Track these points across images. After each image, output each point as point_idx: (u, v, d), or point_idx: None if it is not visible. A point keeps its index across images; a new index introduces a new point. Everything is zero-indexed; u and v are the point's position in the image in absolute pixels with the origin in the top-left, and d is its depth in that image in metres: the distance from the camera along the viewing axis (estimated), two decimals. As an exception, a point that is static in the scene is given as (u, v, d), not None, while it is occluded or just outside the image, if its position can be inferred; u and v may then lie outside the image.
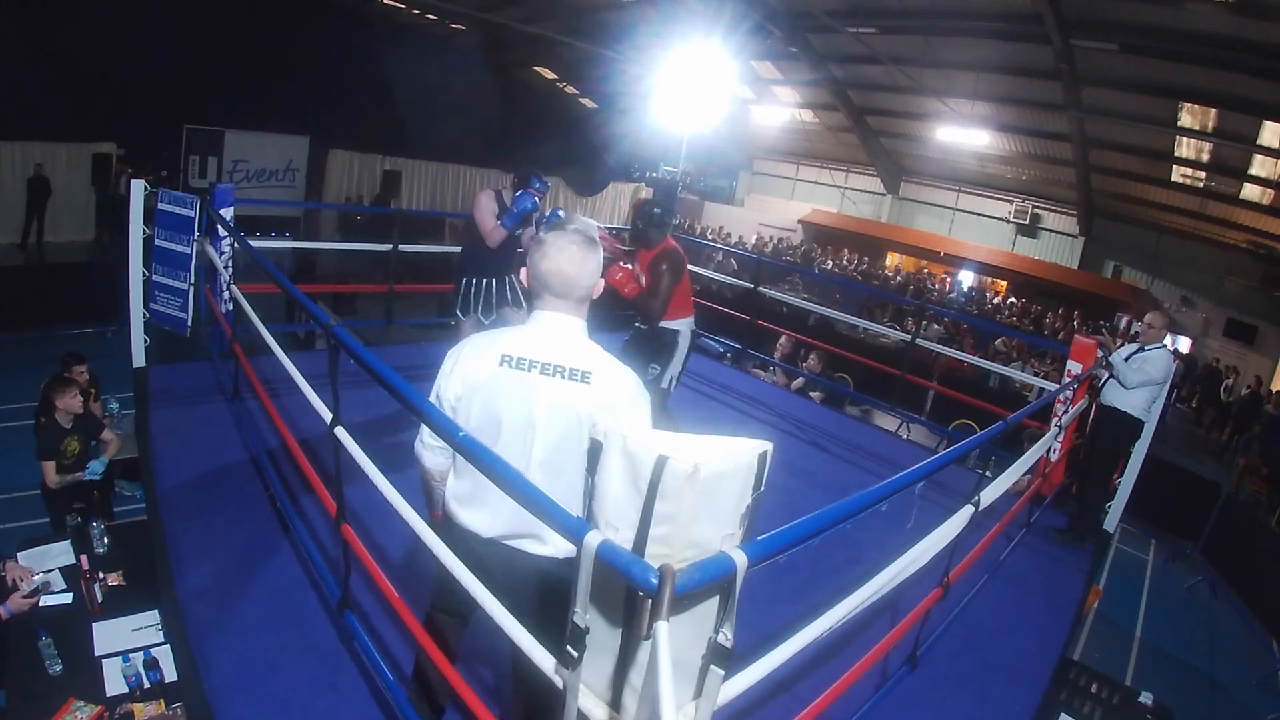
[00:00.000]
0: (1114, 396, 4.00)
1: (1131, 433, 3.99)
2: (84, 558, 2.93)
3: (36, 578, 2.83)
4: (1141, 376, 3.85)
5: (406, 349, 5.35)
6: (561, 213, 3.76)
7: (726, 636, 1.12)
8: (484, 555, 1.64)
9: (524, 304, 3.92)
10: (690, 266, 7.06)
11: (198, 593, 2.51)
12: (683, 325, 3.92)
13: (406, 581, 2.46)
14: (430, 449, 1.75)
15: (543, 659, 1.31)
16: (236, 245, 3.87)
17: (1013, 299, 15.80)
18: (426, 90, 14.00)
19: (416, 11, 15.59)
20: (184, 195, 4.09)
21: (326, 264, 10.67)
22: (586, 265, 1.60)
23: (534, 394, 1.57)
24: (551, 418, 1.57)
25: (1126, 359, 3.94)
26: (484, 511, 1.64)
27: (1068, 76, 11.76)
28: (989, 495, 2.40)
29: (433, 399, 1.66)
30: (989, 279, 17.14)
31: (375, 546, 2.78)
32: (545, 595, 1.62)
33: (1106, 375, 4.05)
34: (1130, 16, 10.13)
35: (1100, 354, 4.19)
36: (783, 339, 6.97)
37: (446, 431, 1.45)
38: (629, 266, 3.85)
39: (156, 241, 4.10)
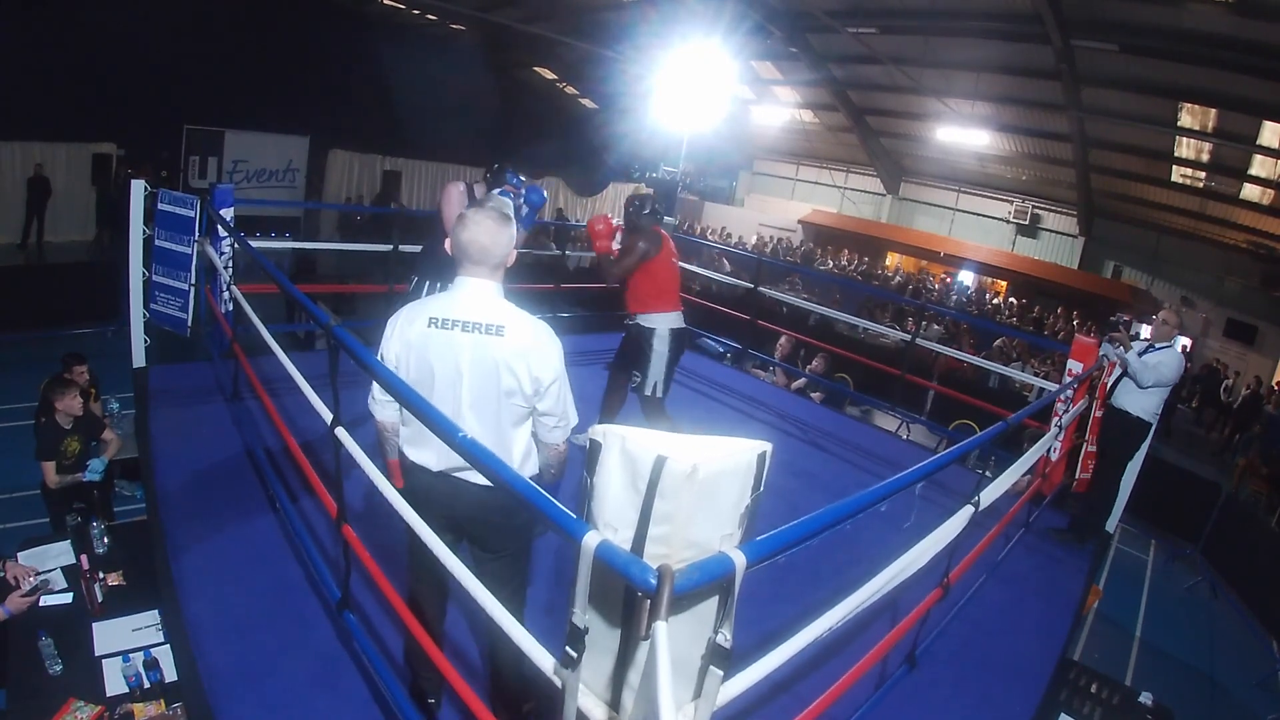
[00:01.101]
0: (1125, 399, 3.94)
1: (1139, 435, 3.96)
2: (84, 558, 2.93)
3: (37, 578, 2.83)
4: (1156, 376, 3.78)
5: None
6: (503, 194, 3.57)
7: (726, 637, 1.12)
8: (434, 486, 1.91)
9: None
10: (690, 266, 7.12)
11: (198, 593, 2.51)
12: (660, 322, 3.63)
13: (407, 582, 2.46)
14: (380, 404, 1.97)
15: (541, 658, 1.31)
16: (236, 245, 3.87)
17: (1012, 299, 15.80)
18: (426, 90, 14.00)
19: (416, 12, 15.58)
20: (184, 196, 4.08)
21: (326, 264, 10.67)
22: (500, 237, 1.85)
23: (458, 348, 1.82)
24: (474, 367, 1.82)
25: (1139, 356, 3.89)
26: (429, 450, 1.89)
27: (1068, 76, 11.76)
28: (989, 495, 2.40)
29: (378, 358, 1.89)
30: (989, 279, 17.13)
31: (375, 547, 2.77)
32: (485, 518, 1.90)
33: (1118, 375, 4.00)
34: (1130, 16, 10.13)
35: (1105, 348, 4.14)
36: (783, 339, 6.97)
37: (447, 432, 1.49)
38: (616, 222, 3.70)
39: (157, 242, 4.10)
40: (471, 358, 1.81)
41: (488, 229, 1.84)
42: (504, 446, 1.90)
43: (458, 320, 1.82)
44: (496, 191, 3.61)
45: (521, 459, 1.94)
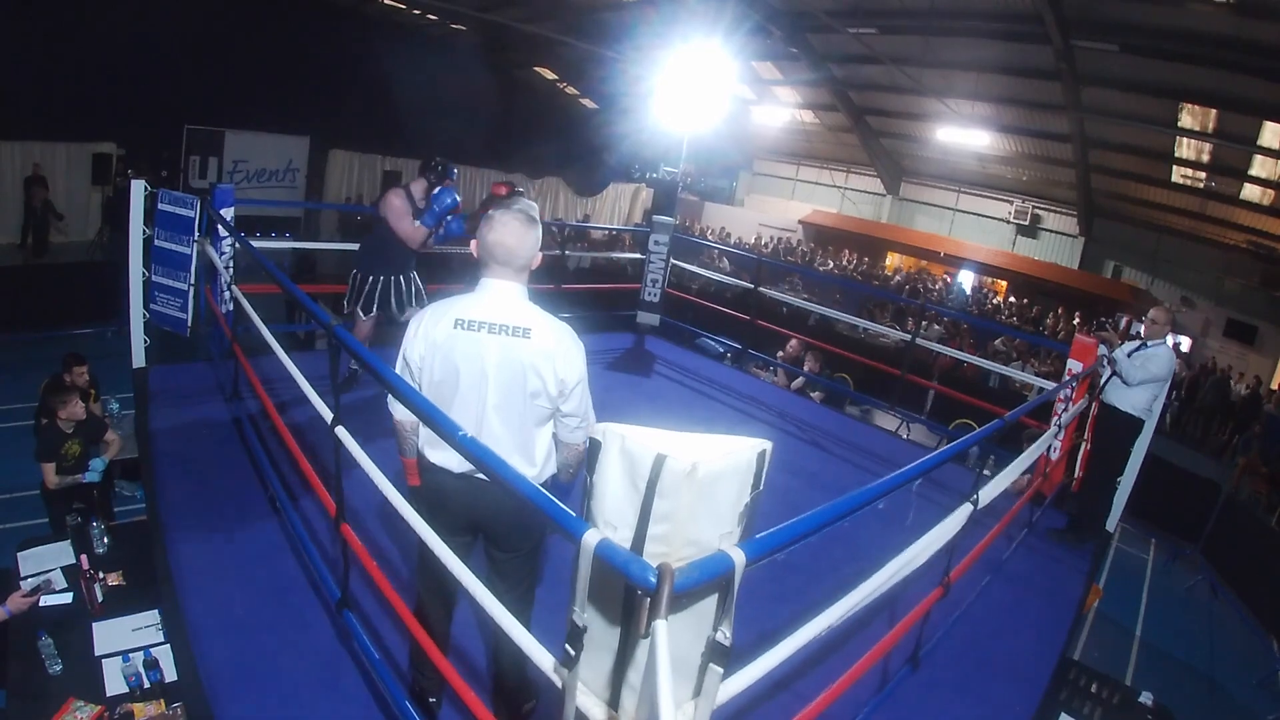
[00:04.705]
0: (1116, 396, 3.96)
1: (1132, 432, 3.97)
2: (84, 557, 2.92)
3: (36, 579, 2.83)
4: (1144, 374, 3.81)
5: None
6: (448, 191, 3.95)
7: (725, 635, 1.12)
8: (454, 487, 1.91)
9: (425, 302, 3.96)
10: (689, 266, 7.14)
11: (198, 593, 2.52)
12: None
13: (406, 581, 2.46)
14: (399, 406, 1.94)
15: (542, 658, 1.31)
16: (237, 245, 3.87)
17: (1012, 299, 15.80)
18: (426, 90, 13.99)
19: (416, 11, 15.58)
20: (184, 196, 4.08)
21: (326, 264, 10.67)
22: (526, 239, 1.86)
23: (484, 350, 1.82)
24: (500, 368, 1.82)
25: (1129, 355, 3.91)
26: (451, 451, 1.84)
27: (1068, 76, 11.75)
28: (987, 493, 2.40)
29: (399, 359, 1.93)
30: (989, 279, 17.13)
31: (375, 546, 2.78)
32: (505, 518, 1.90)
33: (1109, 373, 4.02)
34: (1130, 16, 10.12)
35: (1102, 350, 4.17)
36: (793, 342, 6.97)
37: (447, 431, 1.49)
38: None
39: (157, 242, 4.10)
40: (498, 359, 1.81)
41: (514, 230, 1.84)
42: (527, 447, 1.90)
43: (484, 322, 1.82)
44: (437, 191, 3.88)
45: (544, 459, 1.95)
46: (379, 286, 3.94)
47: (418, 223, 3.83)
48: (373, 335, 4.05)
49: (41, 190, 11.31)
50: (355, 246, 4.29)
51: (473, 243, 1.90)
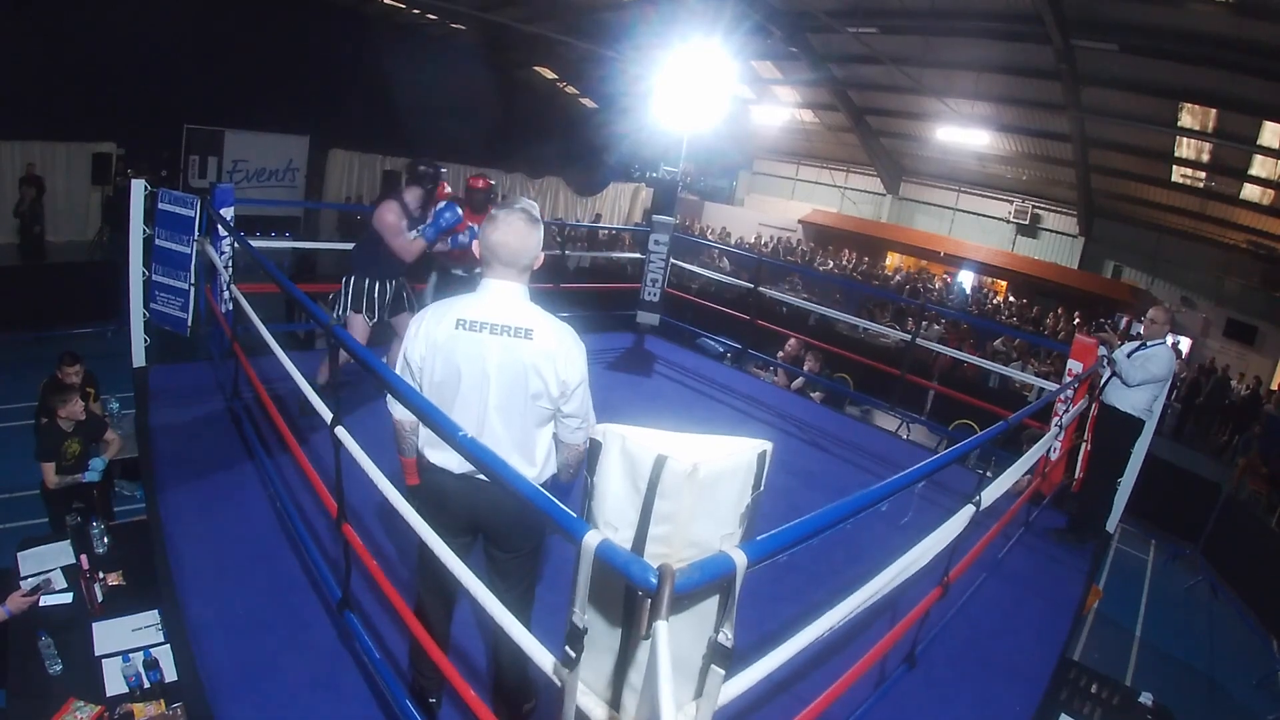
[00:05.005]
0: (1116, 396, 3.96)
1: (1132, 433, 3.97)
2: (84, 558, 2.92)
3: (36, 579, 2.83)
4: (1144, 374, 3.81)
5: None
6: (450, 207, 3.73)
7: (727, 636, 1.12)
8: (455, 488, 1.90)
9: (415, 308, 3.79)
10: (689, 266, 7.14)
11: (198, 593, 2.51)
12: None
13: (407, 581, 2.46)
14: (399, 406, 1.93)
15: (542, 658, 1.31)
16: (236, 245, 3.87)
17: (1012, 299, 15.79)
18: (426, 90, 14.00)
19: (416, 11, 15.58)
20: (184, 195, 4.09)
21: (326, 264, 10.67)
22: (529, 239, 1.85)
23: (486, 350, 1.81)
24: (501, 369, 1.82)
25: (1129, 355, 3.91)
26: (451, 452, 1.85)
27: (1068, 76, 11.75)
28: (990, 495, 2.40)
29: (401, 359, 1.92)
30: (989, 279, 17.13)
31: (375, 546, 2.78)
32: (505, 518, 1.90)
33: (1108, 373, 4.02)
34: (1130, 16, 10.12)
35: (1102, 350, 4.17)
36: (791, 342, 6.97)
37: (447, 431, 1.49)
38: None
39: (157, 241, 4.10)
40: (500, 360, 1.81)
41: (518, 231, 1.83)
42: (527, 447, 1.90)
43: (486, 322, 1.81)
44: (441, 207, 3.66)
45: (544, 459, 1.95)
46: (376, 289, 3.79)
47: (415, 235, 3.65)
48: (369, 337, 3.98)
49: (30, 190, 11.28)
50: (353, 247, 4.18)
51: (474, 244, 1.90)
